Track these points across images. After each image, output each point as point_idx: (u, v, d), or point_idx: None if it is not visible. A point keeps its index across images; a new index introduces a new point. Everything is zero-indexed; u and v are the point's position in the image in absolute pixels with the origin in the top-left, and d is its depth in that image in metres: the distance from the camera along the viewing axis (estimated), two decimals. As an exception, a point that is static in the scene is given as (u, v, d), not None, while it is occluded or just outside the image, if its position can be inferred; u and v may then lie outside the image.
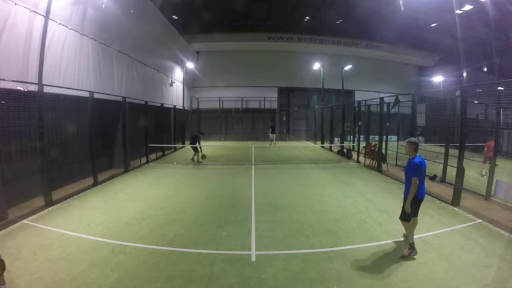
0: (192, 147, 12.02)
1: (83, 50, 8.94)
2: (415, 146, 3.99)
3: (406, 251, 3.86)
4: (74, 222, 5.11)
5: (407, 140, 4.09)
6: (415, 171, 3.83)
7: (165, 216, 5.49)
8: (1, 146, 5.59)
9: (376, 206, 6.15)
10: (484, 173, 9.37)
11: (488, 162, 9.26)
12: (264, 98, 24.24)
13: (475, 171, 9.05)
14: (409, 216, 3.93)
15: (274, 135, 20.22)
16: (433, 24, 20.55)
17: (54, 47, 7.51)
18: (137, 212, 5.70)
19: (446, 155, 8.24)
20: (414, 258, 3.80)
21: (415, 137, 4.66)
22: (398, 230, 4.80)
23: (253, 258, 3.86)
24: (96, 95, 8.19)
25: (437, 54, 25.64)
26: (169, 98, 18.18)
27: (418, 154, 4.00)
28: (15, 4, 6.22)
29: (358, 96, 23.02)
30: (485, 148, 9.59)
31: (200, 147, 11.91)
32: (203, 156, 12.06)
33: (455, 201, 6.22)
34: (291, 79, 24.19)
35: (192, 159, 12.12)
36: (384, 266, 3.64)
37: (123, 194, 7.13)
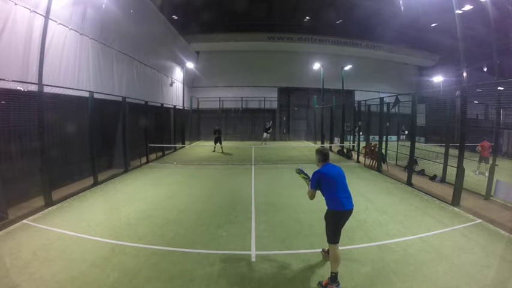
0: (215, 137, 15.26)
1: (83, 50, 8.93)
2: (319, 156, 3.53)
3: (326, 280, 3.18)
4: (74, 222, 5.11)
5: (316, 149, 3.62)
6: (313, 183, 3.46)
7: (165, 216, 5.49)
8: (1, 146, 5.60)
9: (376, 206, 6.14)
10: (477, 172, 9.54)
11: (483, 161, 9.41)
12: (264, 98, 24.21)
13: (470, 170, 9.12)
14: (329, 235, 3.34)
15: (268, 135, 19.81)
16: (433, 24, 20.54)
17: (54, 47, 7.50)
18: (137, 212, 5.70)
19: (446, 155, 8.24)
20: (414, 259, 3.79)
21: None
22: (398, 230, 4.81)
23: (253, 258, 3.86)
24: (96, 95, 8.19)
25: (437, 54, 25.62)
26: (169, 98, 18.16)
27: (326, 163, 3.51)
28: (15, 4, 6.21)
29: (358, 96, 22.98)
30: (479, 148, 9.77)
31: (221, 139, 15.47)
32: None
33: (455, 201, 6.21)
34: (291, 79, 24.15)
35: (222, 151, 15.31)
36: (383, 266, 3.64)
37: (123, 194, 7.13)
